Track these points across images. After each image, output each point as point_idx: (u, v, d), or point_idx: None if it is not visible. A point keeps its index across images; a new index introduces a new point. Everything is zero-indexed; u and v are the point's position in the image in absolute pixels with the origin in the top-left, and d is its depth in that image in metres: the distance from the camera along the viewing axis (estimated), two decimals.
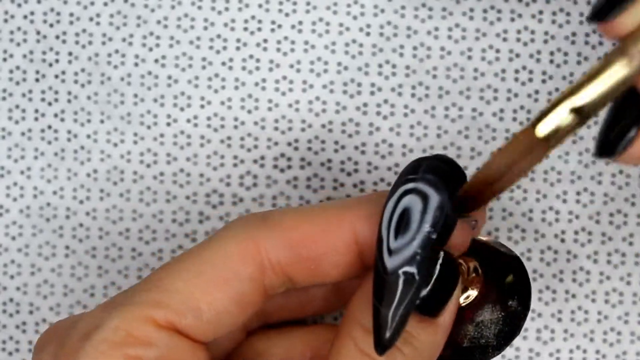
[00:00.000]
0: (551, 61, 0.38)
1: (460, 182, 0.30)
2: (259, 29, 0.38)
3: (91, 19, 0.38)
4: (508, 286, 0.32)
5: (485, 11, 0.38)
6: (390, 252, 0.29)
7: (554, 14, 0.38)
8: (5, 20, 0.38)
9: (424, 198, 0.30)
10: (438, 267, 0.30)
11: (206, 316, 0.29)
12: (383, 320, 0.29)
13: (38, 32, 0.38)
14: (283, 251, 0.29)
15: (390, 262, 0.29)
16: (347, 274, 0.31)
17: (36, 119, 0.38)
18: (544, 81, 0.38)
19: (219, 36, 0.38)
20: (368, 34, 0.38)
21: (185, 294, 0.29)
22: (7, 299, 0.38)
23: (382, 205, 0.30)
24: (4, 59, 0.38)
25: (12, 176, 0.38)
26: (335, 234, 0.29)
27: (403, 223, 0.29)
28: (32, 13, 0.38)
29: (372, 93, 0.38)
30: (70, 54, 0.38)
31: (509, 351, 0.37)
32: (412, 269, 0.29)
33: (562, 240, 0.38)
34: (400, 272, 0.29)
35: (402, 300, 0.29)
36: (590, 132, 0.38)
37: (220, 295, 0.29)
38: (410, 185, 0.30)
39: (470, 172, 0.37)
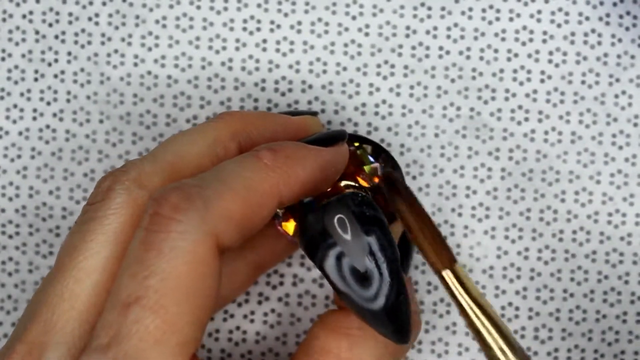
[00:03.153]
0: (550, 61, 0.38)
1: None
2: (258, 29, 0.38)
3: (90, 19, 0.38)
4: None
5: (484, 11, 0.38)
6: (366, 299, 0.30)
7: (552, 13, 0.38)
8: (4, 20, 0.38)
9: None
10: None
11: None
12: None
13: (37, 32, 0.38)
14: (231, 234, 0.29)
15: (376, 304, 0.30)
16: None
17: (34, 118, 0.38)
18: (542, 81, 0.38)
19: (218, 36, 0.38)
20: (367, 34, 0.38)
21: None
22: (5, 296, 0.38)
23: (300, 162, 0.31)
24: (3, 58, 0.38)
25: (8, 175, 0.38)
26: (268, 209, 0.30)
27: (360, 278, 0.30)
28: (31, 12, 0.38)
29: (370, 93, 0.38)
30: (69, 53, 0.38)
31: None
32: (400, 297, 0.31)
33: (560, 240, 0.38)
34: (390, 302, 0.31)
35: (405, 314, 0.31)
36: (589, 131, 0.38)
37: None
38: (338, 249, 0.31)
39: (467, 172, 0.38)
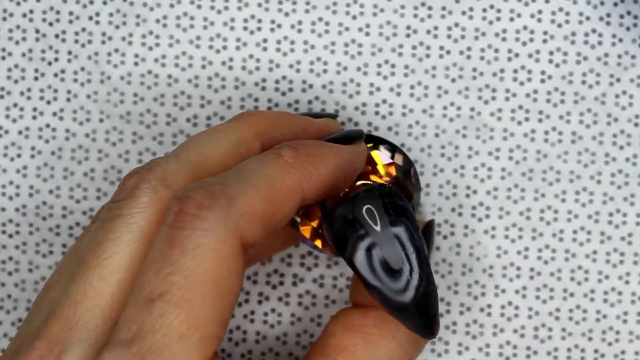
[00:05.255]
0: (550, 61, 0.38)
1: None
2: (259, 29, 0.38)
3: (90, 18, 0.38)
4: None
5: (484, 10, 0.38)
6: (396, 292, 0.30)
7: (553, 13, 0.38)
8: (4, 19, 0.38)
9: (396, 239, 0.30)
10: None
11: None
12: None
13: (37, 31, 0.38)
14: (254, 231, 0.30)
15: (406, 296, 0.30)
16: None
17: (34, 117, 0.38)
18: (542, 81, 0.38)
19: (218, 35, 0.38)
20: (367, 33, 0.38)
21: None
22: (5, 296, 0.38)
23: (319, 159, 0.31)
24: (3, 57, 0.38)
25: (8, 174, 0.38)
26: (290, 206, 0.30)
27: (390, 269, 0.30)
28: (31, 11, 0.38)
29: (370, 93, 0.38)
30: (69, 52, 0.38)
31: (505, 348, 0.38)
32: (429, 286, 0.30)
33: (561, 239, 0.38)
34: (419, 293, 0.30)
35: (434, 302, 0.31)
36: (590, 131, 0.38)
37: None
38: (369, 240, 0.30)
39: (467, 172, 0.38)
